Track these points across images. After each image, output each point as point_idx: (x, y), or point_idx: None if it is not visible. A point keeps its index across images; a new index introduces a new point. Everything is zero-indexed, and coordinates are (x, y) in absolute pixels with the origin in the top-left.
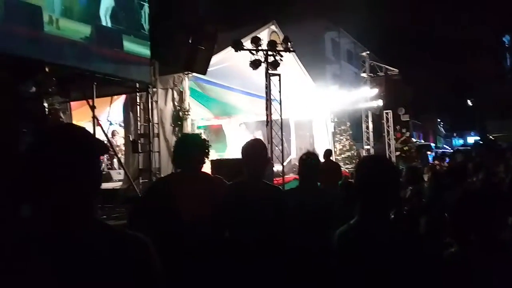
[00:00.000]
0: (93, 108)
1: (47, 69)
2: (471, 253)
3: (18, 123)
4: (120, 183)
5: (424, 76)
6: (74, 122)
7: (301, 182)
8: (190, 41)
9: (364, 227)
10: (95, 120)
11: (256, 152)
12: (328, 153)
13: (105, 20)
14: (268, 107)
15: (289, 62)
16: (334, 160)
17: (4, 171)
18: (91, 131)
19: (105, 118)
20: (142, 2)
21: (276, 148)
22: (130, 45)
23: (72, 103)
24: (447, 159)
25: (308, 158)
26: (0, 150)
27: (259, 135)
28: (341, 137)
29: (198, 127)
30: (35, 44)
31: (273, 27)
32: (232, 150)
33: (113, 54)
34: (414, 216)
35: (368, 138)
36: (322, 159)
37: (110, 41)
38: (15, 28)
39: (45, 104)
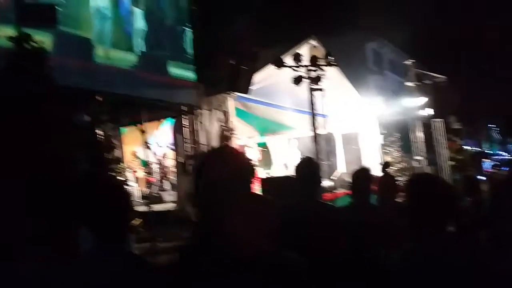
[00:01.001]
0: (143, 132)
1: (98, 98)
2: None
3: (74, 152)
4: (172, 204)
5: (474, 81)
6: (124, 146)
7: (353, 199)
8: (232, 62)
9: (427, 250)
10: (146, 143)
11: (310, 171)
12: (386, 166)
13: (151, 47)
14: (313, 122)
15: (332, 76)
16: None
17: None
18: (142, 154)
19: (155, 141)
20: (185, 28)
21: (324, 163)
22: (175, 70)
23: (125, 127)
24: (505, 167)
25: (360, 173)
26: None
27: (306, 150)
28: (390, 149)
29: (259, 144)
30: (87, 75)
31: (313, 42)
32: (278, 166)
33: (159, 79)
34: (475, 229)
35: (418, 149)
36: (380, 173)
37: (157, 67)
38: (67, 60)
39: (98, 132)
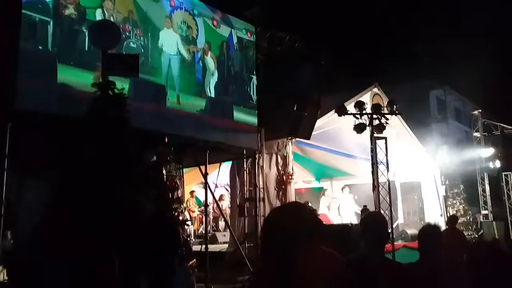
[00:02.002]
0: (205, 175)
1: (166, 140)
2: None
3: (143, 191)
4: (226, 245)
5: None
6: (185, 186)
7: (422, 256)
8: (295, 108)
9: None
10: (207, 186)
11: (379, 225)
12: (453, 219)
13: (218, 93)
14: (375, 171)
15: (394, 123)
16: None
17: (129, 237)
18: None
19: (212, 182)
20: (251, 75)
21: (384, 212)
22: (239, 115)
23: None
24: None
25: (429, 230)
26: (126, 219)
27: (365, 198)
28: (454, 201)
29: (315, 189)
30: (158, 118)
31: (375, 90)
32: (332, 213)
33: (224, 123)
34: None
35: (485, 202)
36: (444, 226)
37: (222, 112)
38: (142, 104)
39: (163, 171)
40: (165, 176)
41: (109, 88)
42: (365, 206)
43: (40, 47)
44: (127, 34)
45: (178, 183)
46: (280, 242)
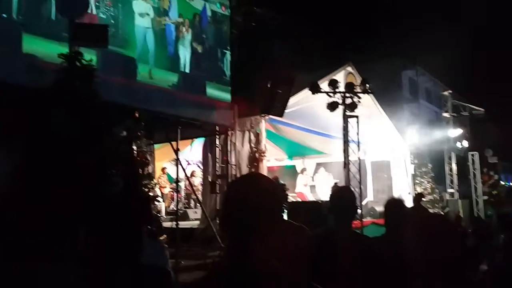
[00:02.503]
0: (177, 151)
1: (137, 115)
2: None
3: (110, 165)
4: (197, 222)
5: None
6: (156, 162)
7: (387, 231)
8: (268, 86)
9: None
10: (178, 161)
11: (348, 200)
12: (418, 197)
13: (191, 68)
14: (346, 149)
15: (366, 103)
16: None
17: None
18: (172, 171)
19: (185, 158)
20: (224, 51)
21: (354, 190)
22: (212, 91)
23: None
24: None
25: (394, 205)
26: (93, 191)
27: (335, 176)
28: (422, 180)
29: (287, 167)
30: (128, 92)
31: (349, 69)
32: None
33: (196, 99)
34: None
35: (451, 181)
36: (411, 204)
37: (195, 88)
38: (111, 78)
39: (134, 147)
40: (135, 152)
41: (77, 59)
42: (336, 183)
43: (5, 15)
44: (96, 4)
45: (149, 158)
46: (238, 215)
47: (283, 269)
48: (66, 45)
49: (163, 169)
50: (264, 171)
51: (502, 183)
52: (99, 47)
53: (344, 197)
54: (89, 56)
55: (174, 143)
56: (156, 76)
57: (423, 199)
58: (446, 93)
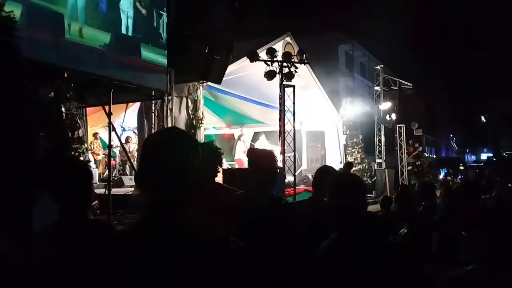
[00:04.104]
0: (109, 114)
1: (66, 75)
2: (491, 271)
3: (36, 127)
4: (132, 189)
5: (438, 91)
6: (89, 127)
7: (312, 194)
8: (206, 51)
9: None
10: (111, 126)
11: (264, 162)
12: (348, 166)
13: (125, 28)
14: (282, 118)
15: (303, 73)
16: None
17: (22, 172)
18: (106, 136)
19: (119, 124)
20: (160, 12)
21: (289, 158)
22: (147, 54)
23: (87, 108)
24: (460, 175)
25: (322, 171)
26: (18, 153)
27: (271, 145)
28: (353, 150)
29: (209, 137)
30: (56, 50)
31: (288, 39)
32: (243, 157)
33: (130, 61)
34: (427, 232)
35: (380, 152)
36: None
37: (129, 49)
38: (36, 34)
39: (63, 109)
40: (64, 114)
41: None
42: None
43: None
44: None
45: (80, 122)
46: (163, 171)
47: (207, 224)
48: None
49: (94, 134)
50: (201, 138)
51: (426, 155)
52: None
53: (260, 158)
54: (11, 7)
55: (106, 106)
56: (87, 35)
57: (353, 168)
58: (378, 67)
